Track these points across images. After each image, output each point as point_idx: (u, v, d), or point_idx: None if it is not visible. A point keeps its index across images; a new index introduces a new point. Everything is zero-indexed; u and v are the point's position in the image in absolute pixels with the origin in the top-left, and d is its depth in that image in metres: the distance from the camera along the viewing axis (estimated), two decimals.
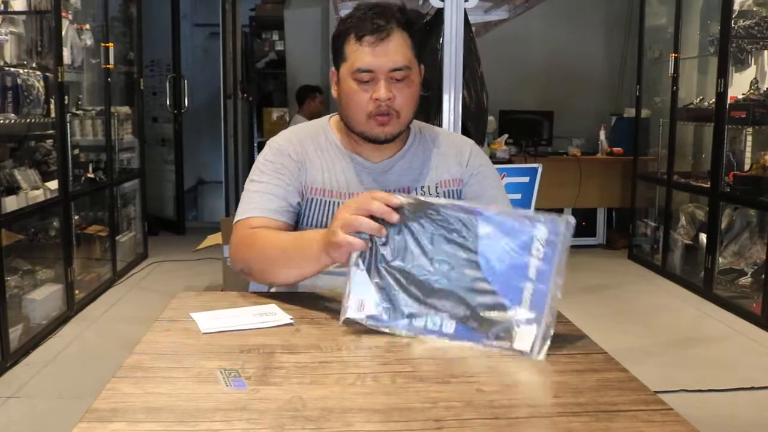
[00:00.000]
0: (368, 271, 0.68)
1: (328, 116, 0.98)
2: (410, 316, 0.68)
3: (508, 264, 0.65)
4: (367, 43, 0.86)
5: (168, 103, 4.12)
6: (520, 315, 0.65)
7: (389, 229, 0.68)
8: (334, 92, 0.93)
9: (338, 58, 0.90)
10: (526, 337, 0.65)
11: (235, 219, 0.91)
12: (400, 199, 0.68)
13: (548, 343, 0.65)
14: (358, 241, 0.69)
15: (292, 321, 0.74)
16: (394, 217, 0.68)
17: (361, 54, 0.87)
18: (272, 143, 0.96)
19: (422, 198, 0.68)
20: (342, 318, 0.70)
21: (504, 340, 0.66)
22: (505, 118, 3.88)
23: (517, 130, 3.85)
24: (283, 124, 4.42)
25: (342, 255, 0.71)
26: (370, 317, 0.68)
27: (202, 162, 4.87)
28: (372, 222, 0.69)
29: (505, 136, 3.65)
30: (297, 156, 0.94)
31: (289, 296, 0.84)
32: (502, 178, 1.64)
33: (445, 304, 0.67)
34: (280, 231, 0.86)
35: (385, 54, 0.86)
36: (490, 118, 3.46)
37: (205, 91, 4.76)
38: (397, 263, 0.68)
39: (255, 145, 4.79)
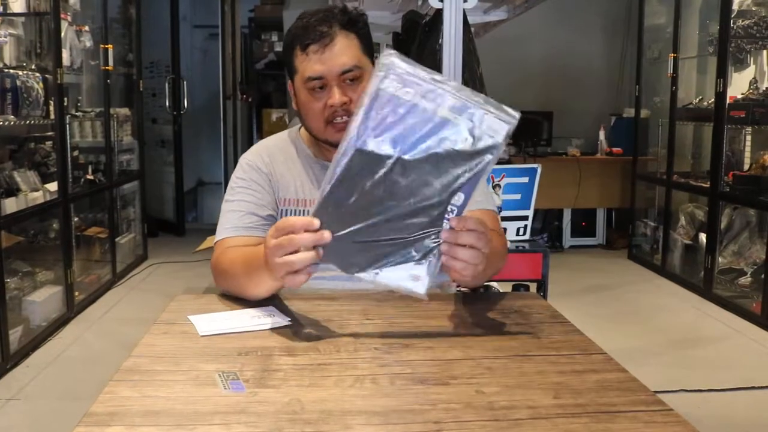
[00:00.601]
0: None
1: (298, 126, 0.99)
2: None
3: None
4: (312, 51, 0.86)
5: (167, 104, 4.12)
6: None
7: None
8: (293, 105, 0.94)
9: (290, 71, 0.91)
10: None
11: (215, 239, 0.92)
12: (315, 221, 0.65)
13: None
14: (299, 257, 0.66)
15: (290, 322, 0.74)
16: (326, 236, 0.66)
17: (309, 63, 0.87)
18: (242, 160, 0.97)
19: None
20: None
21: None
22: None
23: (517, 131, 3.81)
24: (282, 125, 4.42)
25: (284, 277, 0.68)
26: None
27: (202, 163, 4.87)
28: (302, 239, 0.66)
29: None
30: (267, 168, 0.95)
31: (287, 298, 0.84)
32: (501, 179, 1.65)
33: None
34: (245, 247, 0.86)
35: (332, 58, 0.86)
36: None
37: (205, 93, 4.76)
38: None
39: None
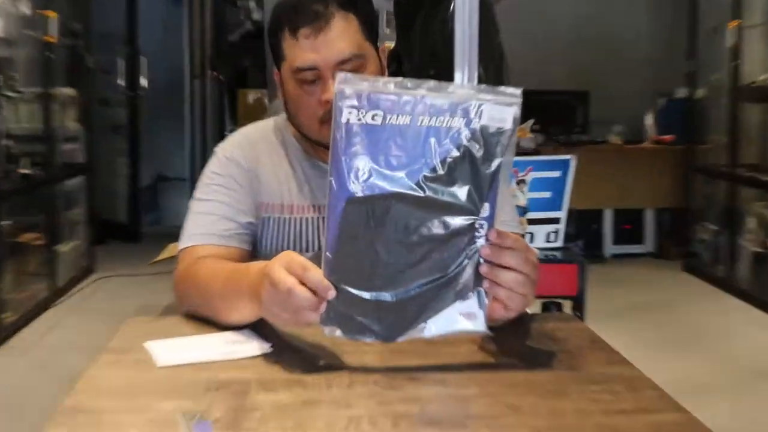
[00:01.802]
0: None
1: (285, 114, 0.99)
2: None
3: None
4: (303, 36, 0.85)
5: (121, 83, 4.13)
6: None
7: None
8: (280, 95, 0.94)
9: (277, 57, 0.90)
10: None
11: (179, 247, 0.92)
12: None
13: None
14: (302, 292, 0.65)
15: (271, 349, 0.74)
16: (330, 294, 0.66)
17: (300, 50, 0.85)
18: (220, 151, 0.97)
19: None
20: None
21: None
22: (530, 100, 3.82)
23: (546, 115, 3.86)
24: (261, 109, 4.43)
25: (276, 301, 0.67)
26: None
27: (163, 155, 4.87)
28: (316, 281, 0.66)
29: (531, 121, 3.65)
30: (249, 163, 0.95)
31: (264, 321, 0.83)
32: (526, 173, 1.65)
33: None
34: (227, 262, 0.86)
35: (327, 45, 0.85)
36: None
37: (167, 70, 4.77)
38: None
39: (226, 133, 4.78)
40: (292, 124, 0.94)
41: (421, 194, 0.65)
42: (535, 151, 3.51)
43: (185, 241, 0.91)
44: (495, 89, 0.66)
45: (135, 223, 4.29)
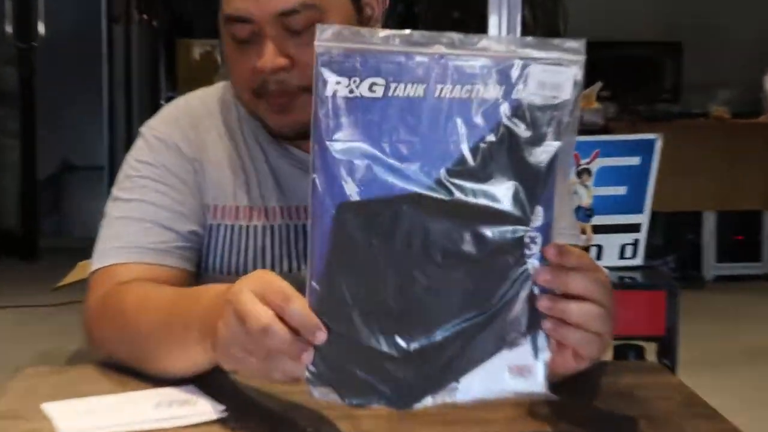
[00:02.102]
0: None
1: None
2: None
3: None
4: None
5: (9, 31, 4.14)
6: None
7: None
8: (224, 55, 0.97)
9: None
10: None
11: (91, 267, 0.92)
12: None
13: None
14: (281, 331, 0.63)
15: (224, 414, 0.74)
16: (319, 336, 0.64)
17: None
18: (146, 131, 0.98)
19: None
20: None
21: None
22: (597, 56, 3.89)
23: (620, 76, 3.88)
24: (211, 68, 4.44)
25: (241, 341, 0.66)
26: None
27: (70, 133, 4.88)
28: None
29: (598, 85, 3.66)
30: (191, 149, 0.96)
31: (223, 369, 0.83)
32: (591, 160, 1.65)
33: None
34: (165, 286, 0.86)
35: None
36: None
37: (75, 11, 4.80)
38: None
39: (161, 102, 4.80)
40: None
41: (445, 196, 0.64)
42: (604, 129, 3.52)
43: (100, 258, 0.92)
44: (547, 42, 0.65)
45: (30, 233, 4.29)
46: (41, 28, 4.19)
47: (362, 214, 0.64)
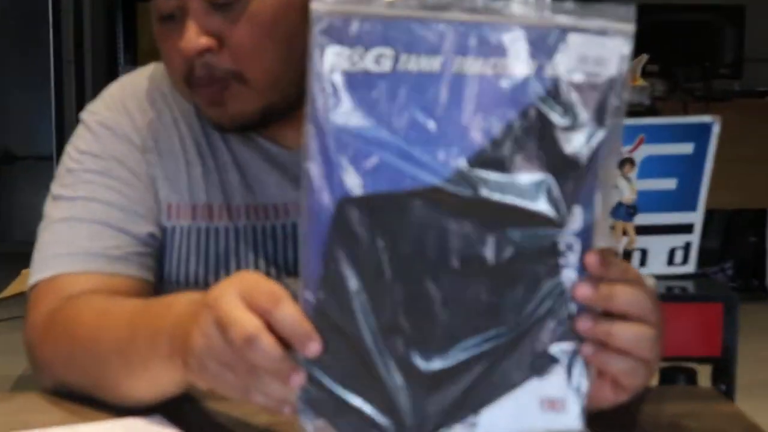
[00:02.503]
0: None
1: None
2: None
3: None
4: None
5: None
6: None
7: None
8: None
9: None
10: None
11: (30, 280, 0.92)
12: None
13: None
14: (269, 345, 0.63)
15: None
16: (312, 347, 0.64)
17: None
18: (88, 116, 0.99)
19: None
20: None
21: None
22: (642, 22, 3.87)
23: (670, 48, 3.88)
24: None
25: (219, 353, 0.66)
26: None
27: (10, 117, 4.90)
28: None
29: (644, 58, 3.66)
30: (142, 138, 0.97)
31: (195, 398, 0.84)
32: (635, 148, 1.66)
33: None
34: (126, 298, 0.87)
35: None
36: None
37: None
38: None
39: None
40: None
41: (464, 191, 0.64)
42: (651, 110, 3.52)
43: (42, 268, 0.92)
44: (589, 7, 0.64)
45: None
46: None
47: (367, 212, 0.64)
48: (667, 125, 1.69)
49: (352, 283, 0.64)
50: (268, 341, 0.63)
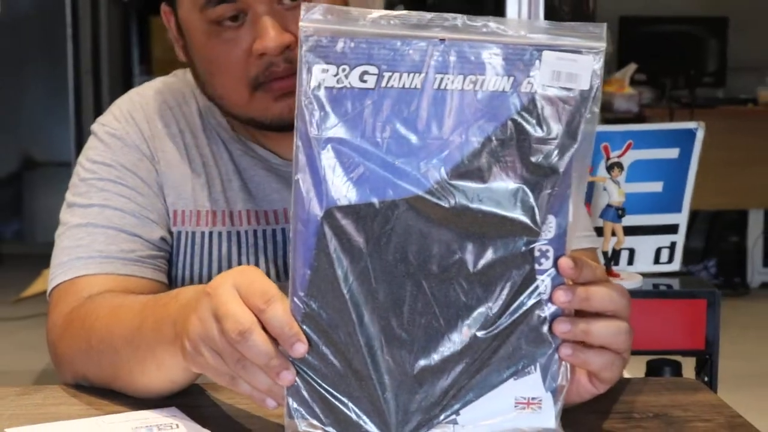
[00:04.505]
0: None
1: None
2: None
3: None
4: None
5: None
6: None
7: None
8: (179, 53, 0.96)
9: None
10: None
11: (51, 284, 0.93)
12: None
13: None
14: (261, 341, 0.64)
15: None
16: (298, 349, 0.65)
17: None
18: (98, 128, 0.99)
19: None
20: None
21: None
22: (631, 33, 3.90)
23: (657, 56, 3.87)
24: None
25: (212, 341, 0.66)
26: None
27: (31, 126, 4.89)
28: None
29: (632, 67, 3.67)
30: (149, 149, 0.97)
31: (207, 390, 0.84)
32: (623, 152, 1.65)
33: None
34: (140, 295, 0.87)
35: None
36: None
37: None
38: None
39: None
40: (207, 97, 0.97)
41: (445, 200, 0.65)
42: (639, 117, 3.52)
43: (62, 272, 0.92)
44: (562, 26, 0.65)
45: None
46: None
47: (352, 220, 0.64)
48: (654, 131, 1.69)
49: (338, 288, 0.65)
50: (260, 337, 0.64)
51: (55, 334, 0.90)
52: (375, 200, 0.64)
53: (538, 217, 0.65)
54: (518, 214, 0.65)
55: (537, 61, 0.64)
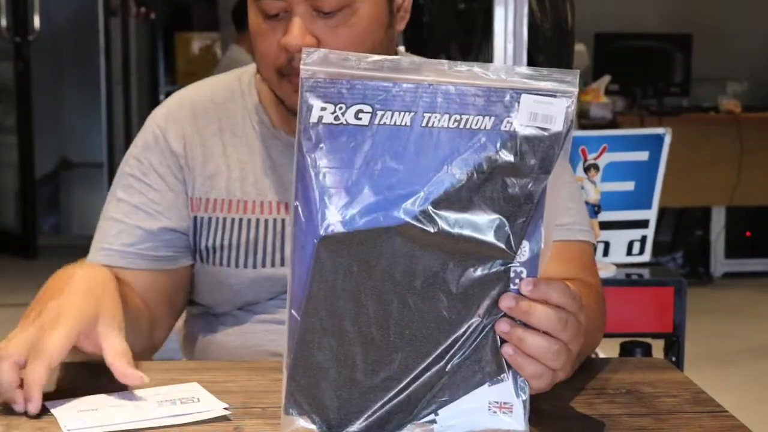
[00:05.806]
0: None
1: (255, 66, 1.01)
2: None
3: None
4: None
5: (2, 24, 4.13)
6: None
7: None
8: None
9: None
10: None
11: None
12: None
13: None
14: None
15: (227, 412, 0.74)
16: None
17: None
18: (150, 123, 1.02)
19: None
20: None
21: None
22: (605, 48, 3.91)
23: (629, 69, 3.87)
24: (210, 61, 4.44)
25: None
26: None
27: (67, 130, 4.89)
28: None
29: (606, 79, 3.67)
30: (182, 145, 0.98)
31: (224, 368, 0.84)
32: (599, 155, 1.66)
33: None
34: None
35: None
36: (580, 47, 3.47)
37: (70, 4, 4.80)
38: None
39: (160, 97, 4.80)
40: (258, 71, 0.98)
41: (429, 228, 0.65)
42: (612, 123, 3.51)
43: (89, 256, 0.97)
44: (539, 72, 0.65)
45: (28, 232, 4.29)
46: (36, 22, 4.19)
47: (345, 245, 0.65)
48: (626, 136, 1.69)
49: (331, 304, 0.65)
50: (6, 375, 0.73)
51: None
52: (366, 227, 0.65)
53: (513, 243, 0.65)
54: (494, 240, 0.65)
55: (516, 103, 0.65)
